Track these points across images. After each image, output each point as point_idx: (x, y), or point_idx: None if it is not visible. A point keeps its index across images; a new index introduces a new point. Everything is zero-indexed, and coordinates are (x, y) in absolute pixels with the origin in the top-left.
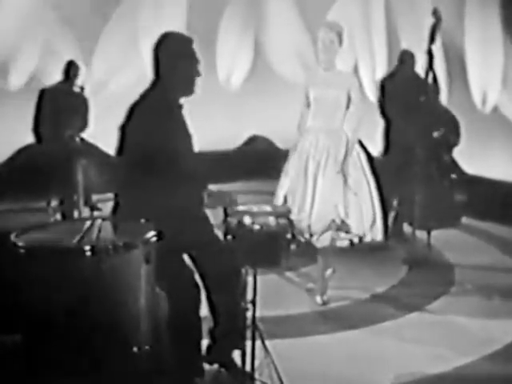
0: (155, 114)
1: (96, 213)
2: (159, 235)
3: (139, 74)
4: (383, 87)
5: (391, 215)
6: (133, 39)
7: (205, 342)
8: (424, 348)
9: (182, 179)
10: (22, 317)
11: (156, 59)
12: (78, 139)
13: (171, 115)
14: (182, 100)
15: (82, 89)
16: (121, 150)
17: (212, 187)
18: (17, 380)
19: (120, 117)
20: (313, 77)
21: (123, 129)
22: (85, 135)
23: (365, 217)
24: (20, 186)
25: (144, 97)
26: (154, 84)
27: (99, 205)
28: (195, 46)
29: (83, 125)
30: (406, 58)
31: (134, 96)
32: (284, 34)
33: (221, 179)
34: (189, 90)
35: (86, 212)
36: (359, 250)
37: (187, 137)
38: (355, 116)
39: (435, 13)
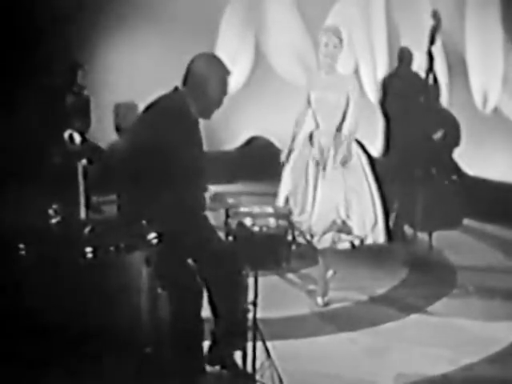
0: (173, 124)
1: (98, 214)
2: (160, 237)
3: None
4: (384, 87)
5: (392, 217)
6: (132, 39)
7: (206, 343)
8: (425, 349)
9: (183, 180)
10: (23, 319)
11: (188, 74)
12: (79, 139)
13: (189, 128)
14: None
15: (84, 88)
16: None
17: (211, 188)
18: (18, 380)
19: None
20: (314, 80)
21: (136, 126)
22: (87, 135)
23: (366, 219)
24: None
25: (164, 102)
26: (175, 92)
27: (101, 206)
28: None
29: (85, 125)
30: (404, 56)
31: (135, 96)
32: (285, 35)
33: (221, 180)
34: (207, 115)
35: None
36: (360, 252)
37: (200, 151)
38: (352, 116)
39: (435, 15)
